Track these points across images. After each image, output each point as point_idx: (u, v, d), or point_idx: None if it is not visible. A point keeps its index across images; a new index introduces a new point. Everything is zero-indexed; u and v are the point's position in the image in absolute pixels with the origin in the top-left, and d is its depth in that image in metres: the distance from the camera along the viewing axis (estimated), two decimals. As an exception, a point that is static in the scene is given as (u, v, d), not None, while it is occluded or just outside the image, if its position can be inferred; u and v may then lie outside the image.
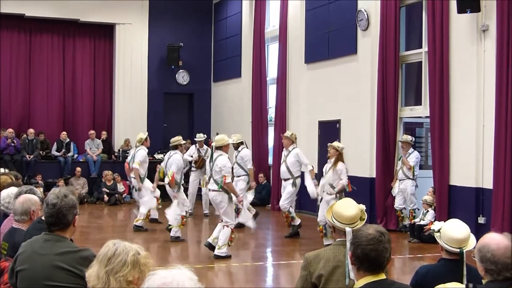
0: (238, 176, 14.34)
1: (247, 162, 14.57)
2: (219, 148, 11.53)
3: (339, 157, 12.18)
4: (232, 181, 12.02)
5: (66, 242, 4.46)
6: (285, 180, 13.63)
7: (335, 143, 12.41)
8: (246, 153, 14.76)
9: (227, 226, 11.44)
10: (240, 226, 14.66)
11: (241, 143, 14.77)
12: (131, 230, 14.50)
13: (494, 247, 3.79)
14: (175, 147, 13.64)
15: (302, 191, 14.49)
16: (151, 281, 2.90)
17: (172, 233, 13.17)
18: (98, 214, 17.98)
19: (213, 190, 11.49)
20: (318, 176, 13.30)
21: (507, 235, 3.91)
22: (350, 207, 4.79)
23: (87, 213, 17.50)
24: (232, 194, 11.50)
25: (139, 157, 14.38)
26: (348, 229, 4.59)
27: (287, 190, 13.54)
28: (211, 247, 11.59)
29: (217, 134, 15.67)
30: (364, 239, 3.81)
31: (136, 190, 14.70)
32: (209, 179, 11.68)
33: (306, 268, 4.70)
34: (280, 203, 13.75)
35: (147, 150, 14.78)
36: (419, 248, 12.70)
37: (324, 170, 12.46)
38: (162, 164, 13.95)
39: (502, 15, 11.70)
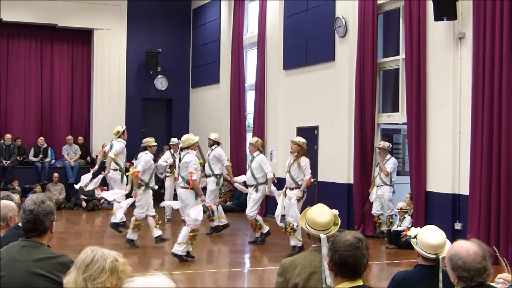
0: (208, 176, 14.43)
1: (223, 161, 14.65)
2: (186, 148, 11.64)
3: (302, 151, 12.28)
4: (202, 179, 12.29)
5: (44, 248, 4.44)
6: (250, 186, 13.67)
7: (297, 138, 12.52)
8: (219, 152, 14.78)
9: (188, 225, 11.52)
10: (218, 231, 14.72)
11: (218, 143, 14.81)
12: (109, 236, 14.44)
13: (464, 254, 3.83)
14: (145, 148, 13.61)
15: (269, 196, 14.78)
16: None
17: (128, 235, 13.17)
18: (76, 220, 17.88)
19: (182, 187, 11.69)
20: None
21: (474, 240, 3.96)
22: (323, 214, 4.79)
23: (64, 219, 17.39)
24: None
25: (116, 147, 14.49)
26: (322, 236, 4.61)
27: (253, 197, 13.59)
28: (188, 255, 11.74)
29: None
30: (342, 245, 3.82)
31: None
32: (178, 177, 11.91)
33: (282, 274, 4.71)
34: (247, 212, 13.69)
35: (125, 143, 14.77)
36: (396, 254, 12.76)
37: (287, 164, 12.61)
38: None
39: (478, 22, 11.81)
